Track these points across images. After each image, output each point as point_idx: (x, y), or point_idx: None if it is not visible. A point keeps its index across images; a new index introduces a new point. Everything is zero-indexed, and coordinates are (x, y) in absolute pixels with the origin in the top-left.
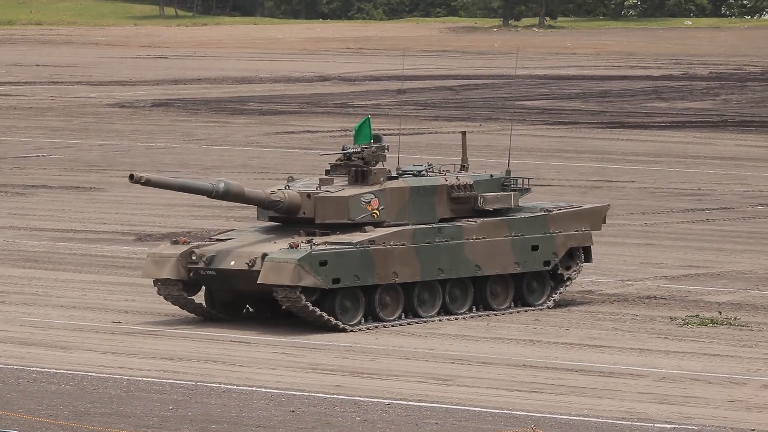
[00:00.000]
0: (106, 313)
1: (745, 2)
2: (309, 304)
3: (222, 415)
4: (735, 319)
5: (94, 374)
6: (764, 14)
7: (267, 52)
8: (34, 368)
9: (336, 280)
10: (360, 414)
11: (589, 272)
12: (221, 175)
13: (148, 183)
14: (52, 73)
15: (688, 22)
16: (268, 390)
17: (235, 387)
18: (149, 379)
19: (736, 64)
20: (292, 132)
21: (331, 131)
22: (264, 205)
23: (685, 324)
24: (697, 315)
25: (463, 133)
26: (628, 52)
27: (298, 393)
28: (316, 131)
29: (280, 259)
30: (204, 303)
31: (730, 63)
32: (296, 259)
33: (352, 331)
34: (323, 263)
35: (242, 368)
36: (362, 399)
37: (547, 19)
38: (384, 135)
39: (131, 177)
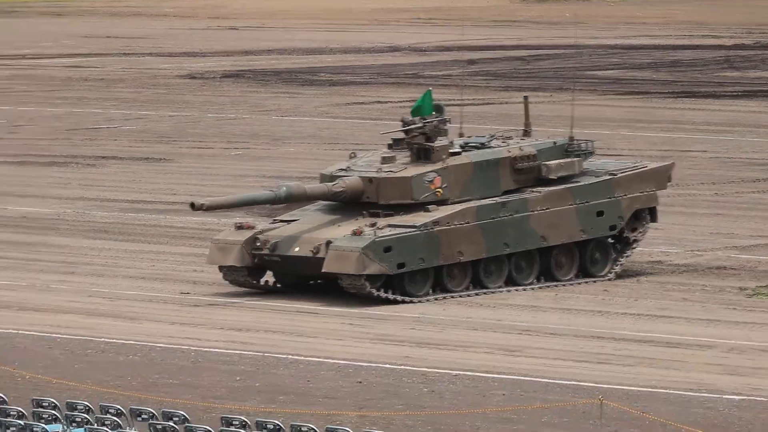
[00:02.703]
0: (175, 283)
1: None
2: (374, 290)
3: (290, 386)
4: None
5: (162, 345)
6: None
7: (337, 22)
8: (103, 339)
9: (401, 265)
10: (427, 385)
11: (659, 242)
12: (291, 145)
13: (210, 209)
14: (123, 44)
15: None
16: (335, 361)
17: (302, 358)
18: (217, 350)
19: None
20: (362, 103)
21: (401, 101)
22: (327, 197)
23: (754, 294)
24: (767, 285)
25: (525, 98)
26: (699, 21)
27: (365, 364)
28: (387, 101)
29: (344, 247)
30: (271, 282)
31: None
32: (360, 247)
33: (420, 301)
34: (387, 249)
35: (310, 339)
36: (430, 370)
37: None
38: (453, 106)
39: (192, 206)
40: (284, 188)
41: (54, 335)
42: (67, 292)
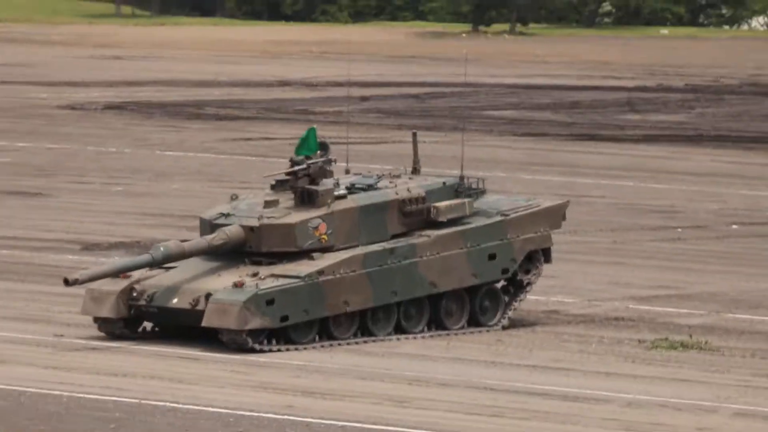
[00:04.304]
0: (49, 325)
1: (723, 12)
2: (257, 345)
3: None
4: (706, 343)
5: (33, 390)
6: (743, 24)
7: (226, 54)
8: None
9: (284, 318)
10: None
11: (555, 291)
12: (174, 182)
13: (85, 282)
14: (1, 71)
15: (664, 31)
16: (215, 409)
17: (181, 405)
18: (91, 396)
19: (712, 76)
20: (250, 138)
21: (290, 138)
22: (208, 252)
23: (653, 347)
24: (666, 338)
25: (414, 134)
26: (602, 61)
27: (247, 413)
28: (275, 138)
29: (224, 300)
30: (149, 327)
31: (706, 75)
32: (242, 301)
33: (305, 348)
34: (270, 302)
35: (189, 386)
36: (314, 420)
37: (519, 25)
38: (342, 144)
39: (66, 281)
40: (161, 249)
41: None
42: None
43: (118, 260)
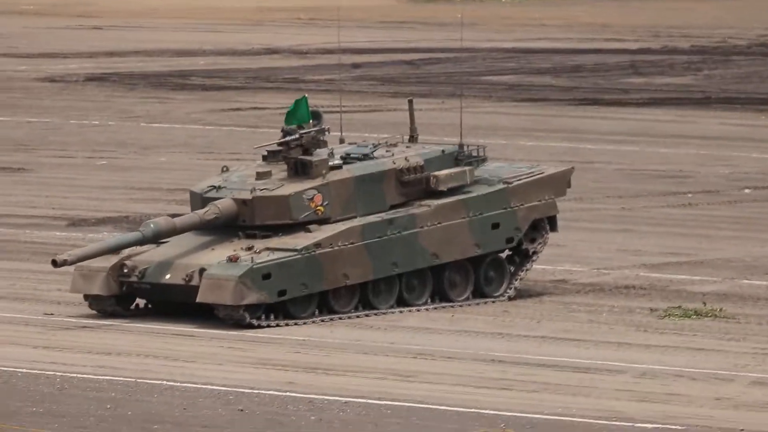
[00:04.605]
0: (37, 304)
1: None
2: (254, 320)
3: (164, 415)
4: (720, 310)
5: (24, 370)
6: None
7: (209, 22)
8: None
9: (282, 292)
10: (315, 413)
11: (563, 260)
12: (161, 155)
13: (74, 262)
14: None
15: None
16: (214, 387)
17: (178, 384)
18: (85, 376)
19: (719, 37)
20: (239, 109)
21: (280, 108)
22: (200, 227)
23: (666, 316)
24: (679, 306)
25: (410, 101)
26: (601, 23)
27: (247, 390)
28: (265, 108)
29: (219, 275)
30: (141, 305)
31: (713, 36)
32: (237, 276)
33: (305, 323)
34: (266, 276)
35: (186, 364)
36: (317, 397)
37: None
38: (335, 112)
39: (54, 263)
40: (152, 225)
41: None
42: None
43: (107, 239)
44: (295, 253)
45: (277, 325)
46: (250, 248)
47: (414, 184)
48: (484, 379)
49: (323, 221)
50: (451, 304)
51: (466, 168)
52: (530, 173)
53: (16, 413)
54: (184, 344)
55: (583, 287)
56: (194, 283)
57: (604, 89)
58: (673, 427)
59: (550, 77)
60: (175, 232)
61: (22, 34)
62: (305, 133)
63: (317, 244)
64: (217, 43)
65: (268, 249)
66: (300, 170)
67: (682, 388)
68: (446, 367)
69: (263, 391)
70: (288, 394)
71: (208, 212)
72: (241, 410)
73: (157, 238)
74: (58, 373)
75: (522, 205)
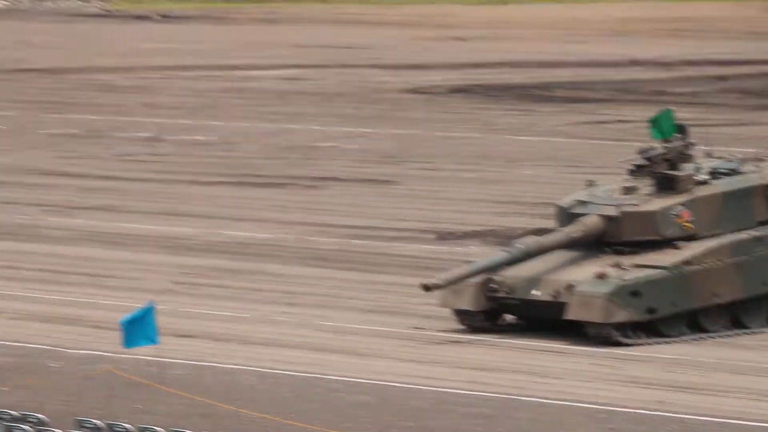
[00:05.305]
0: (406, 317)
1: None
2: (622, 339)
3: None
4: None
5: (397, 384)
6: None
7: (571, 33)
8: (332, 376)
9: (651, 310)
10: None
11: None
12: (525, 168)
13: (445, 286)
14: (341, 55)
15: None
16: (584, 404)
17: (548, 401)
18: (457, 391)
19: None
20: (604, 122)
21: (644, 122)
22: (566, 244)
23: None
24: None
25: None
26: None
27: (617, 409)
28: (629, 121)
29: (588, 293)
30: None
31: None
32: (606, 293)
33: (674, 341)
34: (635, 293)
35: (555, 380)
36: (689, 417)
37: None
38: (699, 126)
39: (425, 287)
40: (522, 247)
41: (279, 371)
42: (289, 325)
43: (476, 261)
44: (664, 270)
45: (647, 343)
46: (617, 264)
47: None
48: None
49: (690, 237)
50: None
51: None
52: None
53: (390, 427)
54: (554, 361)
55: None
56: (562, 299)
57: None
58: None
59: None
60: (541, 251)
61: (387, 46)
62: (671, 147)
63: (687, 262)
64: (579, 54)
65: (636, 266)
66: (666, 185)
67: None
68: None
69: (634, 410)
70: (658, 413)
71: (575, 230)
72: (612, 429)
73: (524, 259)
74: (429, 388)
75: None
